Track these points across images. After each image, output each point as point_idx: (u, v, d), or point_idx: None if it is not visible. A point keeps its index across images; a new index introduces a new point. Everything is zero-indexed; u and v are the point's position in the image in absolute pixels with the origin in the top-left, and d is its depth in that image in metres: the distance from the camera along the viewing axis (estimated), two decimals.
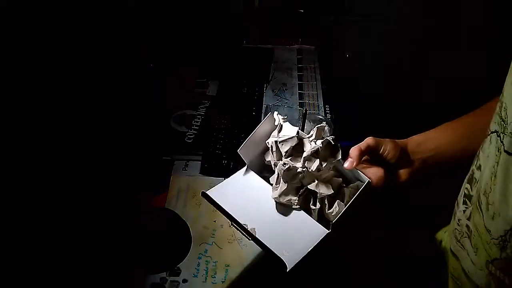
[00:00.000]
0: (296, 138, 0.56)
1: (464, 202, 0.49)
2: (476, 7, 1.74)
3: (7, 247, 0.64)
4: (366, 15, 1.56)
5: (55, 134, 0.65)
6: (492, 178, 0.40)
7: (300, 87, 1.15)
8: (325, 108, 1.07)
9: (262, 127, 0.59)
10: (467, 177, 0.50)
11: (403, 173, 0.56)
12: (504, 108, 0.39)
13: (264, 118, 0.59)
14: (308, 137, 0.57)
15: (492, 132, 0.42)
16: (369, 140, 0.53)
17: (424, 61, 1.69)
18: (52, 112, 0.63)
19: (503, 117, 0.40)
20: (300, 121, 0.78)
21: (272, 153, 0.57)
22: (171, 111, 1.01)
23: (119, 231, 0.78)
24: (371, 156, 0.55)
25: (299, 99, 1.10)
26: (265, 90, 1.12)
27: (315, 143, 0.56)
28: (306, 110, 0.80)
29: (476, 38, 1.80)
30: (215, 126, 0.95)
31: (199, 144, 0.92)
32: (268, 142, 0.57)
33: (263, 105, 1.06)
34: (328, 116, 1.04)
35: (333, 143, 0.55)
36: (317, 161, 0.54)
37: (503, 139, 0.39)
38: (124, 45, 0.99)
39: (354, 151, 0.53)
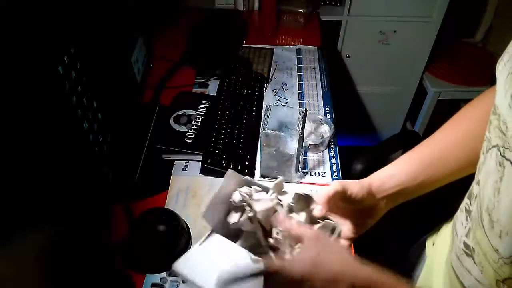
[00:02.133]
0: (270, 200, 0.54)
1: (465, 218, 0.48)
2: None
3: None
4: (366, 15, 1.56)
5: (53, 134, 0.65)
6: (496, 194, 0.39)
7: (300, 87, 1.15)
8: (325, 108, 1.07)
9: (224, 187, 0.55)
10: (468, 192, 0.49)
11: (371, 214, 0.56)
12: (503, 122, 0.39)
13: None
14: (270, 197, 0.55)
15: (493, 146, 0.41)
16: (335, 185, 0.52)
17: (424, 61, 1.69)
18: (51, 112, 0.63)
19: (503, 131, 0.39)
20: (300, 121, 0.78)
21: (244, 212, 0.53)
22: (171, 111, 1.00)
23: (119, 231, 0.78)
24: (339, 199, 0.54)
25: (299, 99, 1.10)
26: (265, 90, 1.13)
27: (279, 200, 0.54)
28: (306, 110, 0.80)
29: (476, 38, 1.80)
30: (215, 126, 0.95)
31: (199, 144, 0.92)
32: (233, 200, 0.54)
33: (263, 105, 1.06)
34: (328, 116, 1.04)
35: (303, 194, 0.54)
36: (295, 219, 0.53)
37: (504, 153, 0.38)
38: (124, 44, 0.99)
39: (322, 198, 0.53)
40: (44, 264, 0.65)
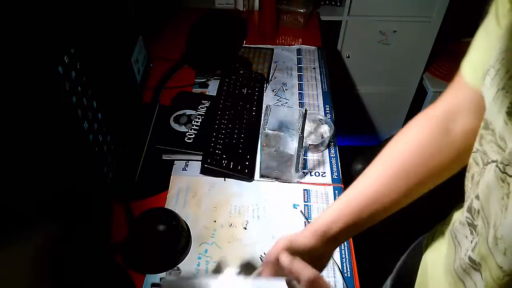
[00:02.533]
0: None
1: (470, 232, 0.47)
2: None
3: None
4: (366, 15, 1.56)
5: (53, 134, 0.65)
6: (503, 211, 0.39)
7: (300, 87, 1.15)
8: (325, 108, 1.07)
9: None
10: (466, 205, 0.49)
11: (321, 259, 0.55)
12: (501, 138, 0.38)
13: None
14: None
15: (492, 161, 0.41)
16: (281, 244, 0.51)
17: (424, 61, 1.69)
18: (51, 112, 0.63)
19: (502, 147, 0.38)
20: (300, 121, 0.78)
21: None
22: (171, 111, 1.00)
23: (119, 231, 0.78)
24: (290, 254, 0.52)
25: (299, 99, 1.10)
26: (265, 90, 1.13)
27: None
28: (306, 110, 0.80)
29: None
30: (215, 126, 0.95)
31: (199, 144, 0.92)
32: None
33: (263, 105, 1.06)
34: (328, 116, 1.04)
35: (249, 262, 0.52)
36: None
37: (505, 169, 0.38)
38: (124, 45, 0.99)
39: (267, 257, 0.51)
40: (44, 264, 0.65)
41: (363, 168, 0.59)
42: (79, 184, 0.73)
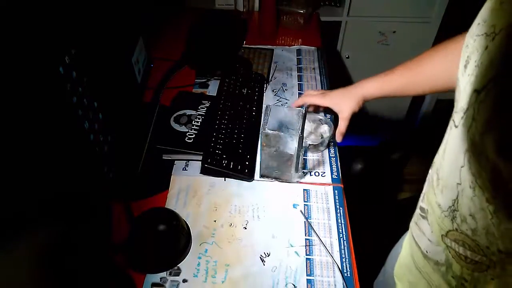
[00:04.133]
0: None
1: (425, 186, 0.51)
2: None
3: None
4: (366, 16, 1.57)
5: (54, 134, 0.65)
6: (442, 154, 0.42)
7: (300, 87, 1.15)
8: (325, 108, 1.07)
9: None
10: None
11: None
12: (458, 90, 0.41)
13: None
14: None
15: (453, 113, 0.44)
16: (346, 122, 0.85)
17: None
18: (52, 112, 0.63)
19: (457, 99, 0.41)
20: (300, 121, 0.78)
21: None
22: (172, 111, 1.01)
23: (120, 230, 0.78)
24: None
25: None
26: (265, 90, 1.13)
27: None
28: (306, 110, 0.80)
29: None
30: (215, 126, 0.95)
31: (199, 144, 0.92)
32: None
33: (263, 105, 1.06)
34: (328, 116, 1.04)
35: None
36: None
37: (453, 117, 0.41)
38: (124, 45, 0.99)
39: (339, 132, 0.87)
40: (44, 264, 0.65)
41: (363, 168, 0.61)
42: (80, 184, 0.73)
